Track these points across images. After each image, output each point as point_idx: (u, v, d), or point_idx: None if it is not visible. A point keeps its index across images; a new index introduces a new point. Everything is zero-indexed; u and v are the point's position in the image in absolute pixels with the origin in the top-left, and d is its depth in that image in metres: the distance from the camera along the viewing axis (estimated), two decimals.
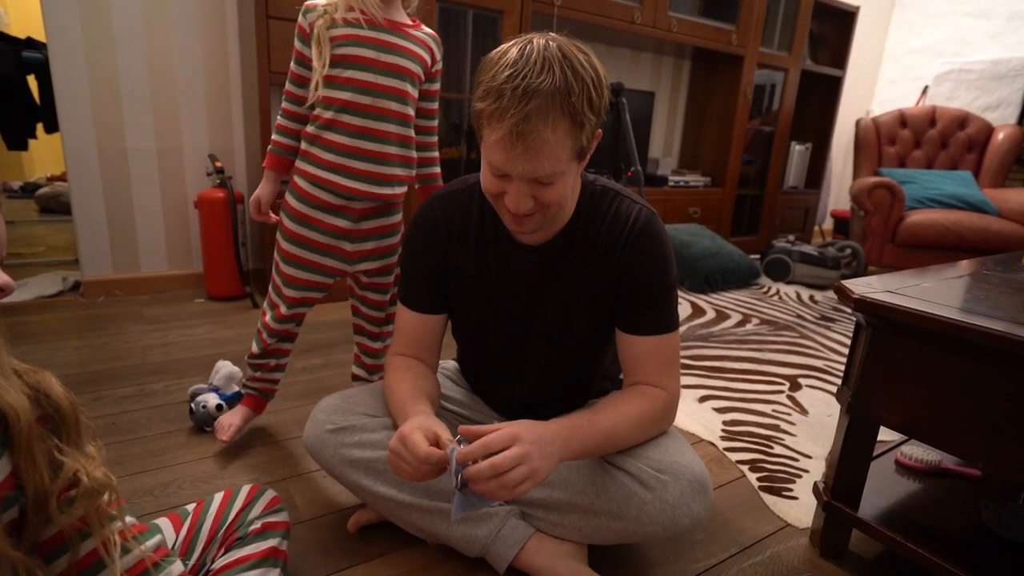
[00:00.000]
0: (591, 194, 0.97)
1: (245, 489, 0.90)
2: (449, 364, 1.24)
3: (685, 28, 3.12)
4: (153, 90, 2.29)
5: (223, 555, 0.83)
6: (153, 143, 2.33)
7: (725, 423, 1.57)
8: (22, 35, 3.42)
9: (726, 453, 1.42)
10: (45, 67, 2.49)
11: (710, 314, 2.57)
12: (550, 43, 0.79)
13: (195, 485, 1.19)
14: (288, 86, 1.23)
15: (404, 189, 1.29)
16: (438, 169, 1.39)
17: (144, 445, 1.33)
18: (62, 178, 4.04)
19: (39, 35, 2.38)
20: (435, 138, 1.37)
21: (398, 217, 1.34)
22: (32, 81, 3.49)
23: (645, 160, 3.50)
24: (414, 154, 1.29)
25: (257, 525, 0.86)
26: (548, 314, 1.00)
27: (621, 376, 1.19)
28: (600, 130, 0.86)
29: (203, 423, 1.39)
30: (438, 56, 1.28)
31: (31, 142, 3.61)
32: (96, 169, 2.25)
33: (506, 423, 0.80)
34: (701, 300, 2.77)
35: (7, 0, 4.23)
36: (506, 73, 0.76)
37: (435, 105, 1.33)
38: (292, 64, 1.21)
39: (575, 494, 0.94)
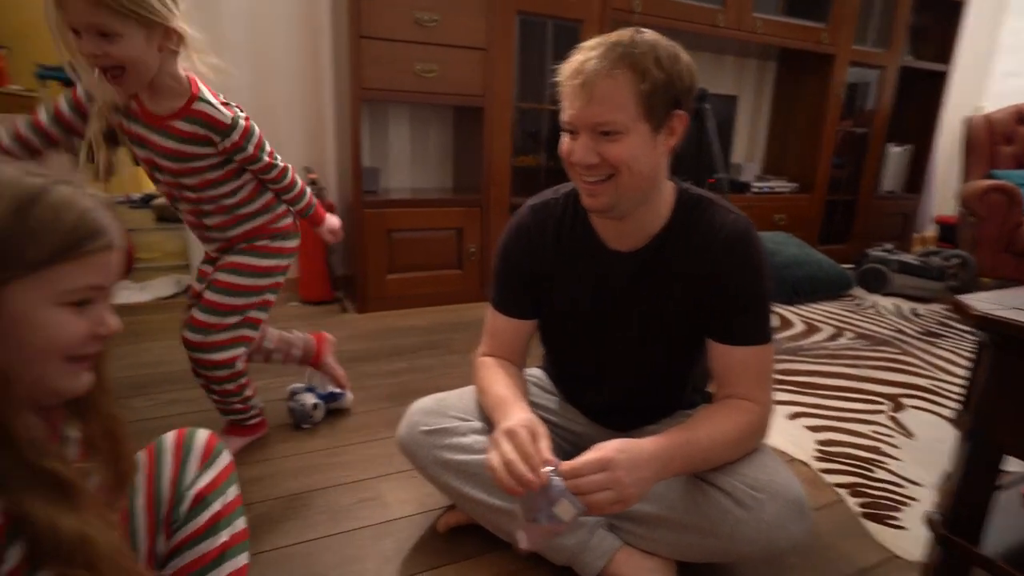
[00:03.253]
0: (685, 202, 0.96)
1: (168, 444, 0.76)
2: (535, 372, 1.25)
3: (771, 28, 3.01)
4: (256, 108, 2.44)
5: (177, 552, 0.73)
6: None
7: (819, 443, 1.49)
8: None
9: (821, 475, 1.35)
10: None
11: (799, 326, 2.45)
12: (639, 29, 0.86)
13: (294, 479, 1.27)
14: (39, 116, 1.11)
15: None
16: (304, 202, 1.31)
17: (250, 442, 1.42)
18: None
19: None
20: (287, 180, 1.26)
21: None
22: None
23: (727, 166, 3.39)
24: (239, 211, 1.23)
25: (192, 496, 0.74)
26: (638, 321, 1.00)
27: (708, 388, 1.17)
28: (683, 112, 0.86)
29: (301, 420, 1.47)
30: (216, 139, 1.12)
31: None
32: None
33: (602, 445, 0.80)
34: (788, 311, 2.64)
35: None
36: (581, 44, 0.86)
37: (259, 166, 1.20)
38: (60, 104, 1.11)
39: (665, 508, 0.93)
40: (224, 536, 0.73)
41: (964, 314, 0.90)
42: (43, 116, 1.09)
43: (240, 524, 0.77)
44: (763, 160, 3.82)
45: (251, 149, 1.17)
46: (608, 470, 0.76)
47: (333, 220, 1.42)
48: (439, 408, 1.07)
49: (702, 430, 0.89)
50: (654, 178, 0.90)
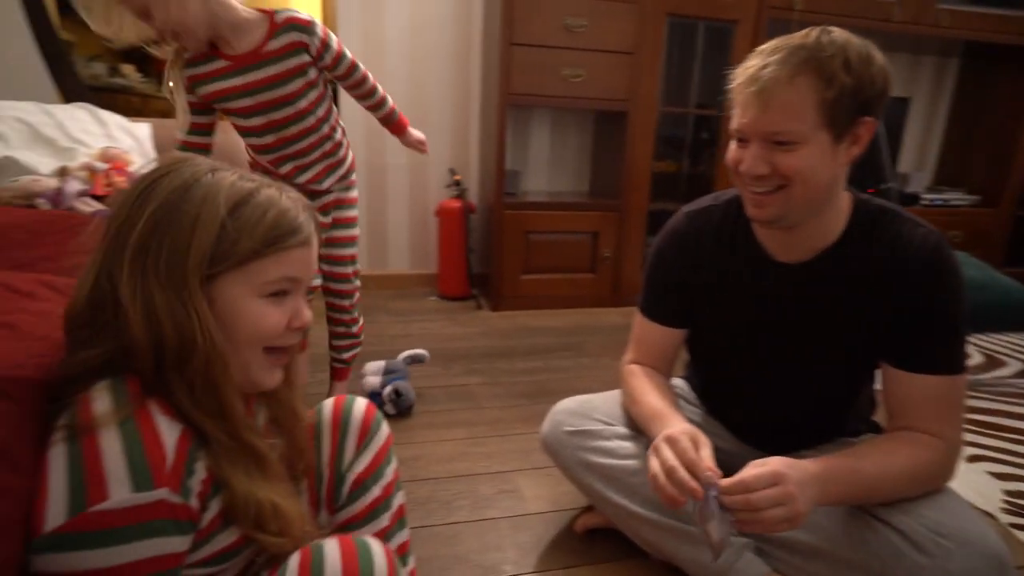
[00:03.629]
0: (866, 213, 0.88)
1: (326, 418, 0.81)
2: (678, 382, 1.22)
3: (959, 21, 2.67)
4: (409, 113, 2.63)
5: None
6: (405, 159, 2.68)
7: (1008, 493, 1.30)
8: None
9: (1013, 531, 1.18)
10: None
11: (977, 359, 2.15)
12: (827, 28, 0.79)
13: (438, 464, 1.34)
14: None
15: (344, 169, 1.42)
16: (389, 106, 1.44)
17: (394, 423, 1.53)
18: None
19: None
20: (367, 87, 1.35)
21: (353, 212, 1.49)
22: None
23: (893, 176, 3.06)
24: (336, 140, 1.36)
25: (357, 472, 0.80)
26: (802, 340, 0.94)
27: (873, 418, 1.07)
28: (871, 119, 0.79)
29: (406, 409, 1.57)
30: (309, 40, 1.18)
31: None
32: (363, 181, 2.66)
33: (766, 461, 0.76)
34: (967, 345, 2.33)
35: None
36: (762, 47, 0.80)
37: (342, 69, 1.26)
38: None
39: (825, 540, 0.87)
40: (384, 520, 0.79)
41: None
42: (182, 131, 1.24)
43: (398, 502, 0.82)
44: (935, 169, 3.40)
45: (335, 46, 1.24)
46: (780, 484, 0.72)
47: (417, 132, 1.55)
48: (583, 410, 1.08)
49: (869, 459, 0.82)
50: (830, 189, 0.84)
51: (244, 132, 1.28)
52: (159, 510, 0.49)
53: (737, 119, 0.82)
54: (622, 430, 1.05)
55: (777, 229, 0.89)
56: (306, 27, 1.18)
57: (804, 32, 0.80)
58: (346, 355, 1.57)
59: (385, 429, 0.84)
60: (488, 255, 2.56)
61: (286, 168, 1.32)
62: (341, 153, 1.40)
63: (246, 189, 0.61)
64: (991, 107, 3.08)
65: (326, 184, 1.39)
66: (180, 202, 0.57)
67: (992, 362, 2.12)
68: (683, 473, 0.75)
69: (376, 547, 0.61)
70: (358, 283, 1.56)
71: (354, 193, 1.50)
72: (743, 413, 1.07)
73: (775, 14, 2.45)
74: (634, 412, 1.01)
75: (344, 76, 1.30)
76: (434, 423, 1.53)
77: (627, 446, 1.02)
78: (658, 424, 0.90)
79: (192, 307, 0.55)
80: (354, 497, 0.79)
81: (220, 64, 1.17)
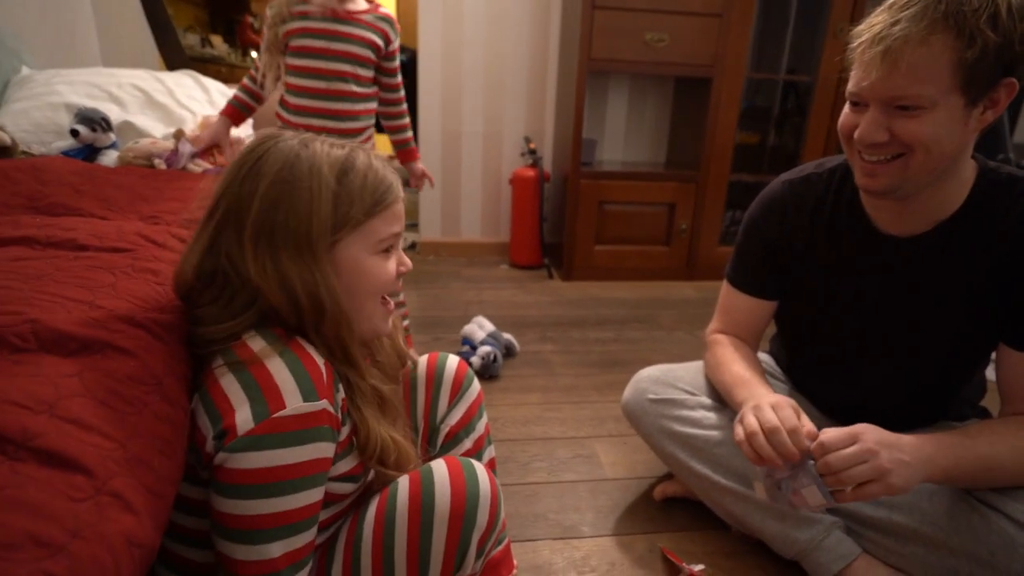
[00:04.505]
0: (993, 183, 0.82)
1: (421, 373, 0.87)
2: (763, 356, 1.19)
3: None
4: (486, 83, 2.63)
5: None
6: (481, 127, 2.69)
7: None
8: None
9: None
10: (406, 67, 3.04)
11: None
12: None
13: (515, 426, 1.38)
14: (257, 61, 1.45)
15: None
16: (410, 134, 1.60)
17: None
18: None
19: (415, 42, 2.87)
20: (402, 107, 1.55)
21: None
22: None
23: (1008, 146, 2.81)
24: (363, 123, 1.46)
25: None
26: (908, 316, 0.89)
27: (982, 404, 1.01)
28: (1014, 80, 0.71)
29: (490, 372, 1.61)
30: (392, 37, 1.44)
31: None
32: (439, 149, 2.69)
33: (861, 428, 0.74)
34: None
35: None
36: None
37: (396, 79, 1.51)
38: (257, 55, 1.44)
39: (924, 523, 0.84)
40: None
41: None
42: (258, 61, 1.44)
43: (488, 455, 0.87)
44: None
45: (396, 62, 1.49)
46: (859, 442, 0.71)
47: (422, 165, 1.66)
48: (667, 379, 1.08)
49: (982, 438, 0.78)
50: (955, 158, 0.77)
51: (293, 91, 1.41)
52: (323, 418, 0.57)
53: (855, 81, 0.75)
54: (707, 400, 1.04)
55: (889, 200, 0.84)
56: (393, 25, 1.45)
57: None
58: (404, 323, 1.63)
59: (476, 385, 0.88)
60: (560, 225, 2.55)
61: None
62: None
63: (342, 156, 0.64)
64: None
65: None
66: (290, 178, 0.60)
67: None
68: (784, 435, 0.74)
69: (479, 466, 0.66)
70: None
71: None
72: (834, 391, 1.04)
73: None
74: (717, 380, 1.00)
75: (391, 88, 1.51)
76: (510, 387, 1.57)
77: (711, 416, 1.01)
78: (743, 391, 0.89)
79: (323, 274, 0.60)
80: (447, 448, 0.84)
81: (338, 8, 1.37)
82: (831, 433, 0.73)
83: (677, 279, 2.50)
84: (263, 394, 0.54)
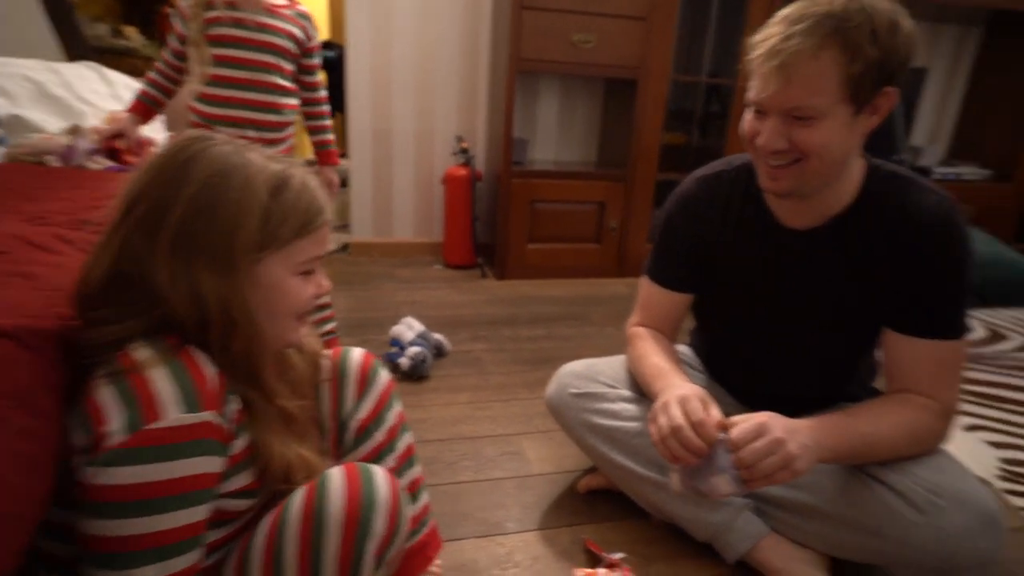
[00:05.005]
0: (878, 179, 0.88)
1: (325, 373, 0.82)
2: (682, 348, 1.23)
3: None
4: (416, 79, 2.60)
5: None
6: (412, 125, 2.66)
7: (1004, 461, 1.32)
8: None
9: (1007, 496, 1.20)
10: (335, 64, 2.97)
11: (980, 332, 2.16)
12: None
13: (443, 426, 1.37)
14: (164, 54, 1.40)
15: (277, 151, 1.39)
16: (331, 136, 1.56)
17: (401, 386, 1.54)
18: (342, 155, 4.80)
19: (342, 37, 2.81)
20: (323, 107, 1.53)
21: None
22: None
23: (906, 147, 3.02)
24: (285, 119, 1.42)
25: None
26: (809, 304, 0.94)
27: (873, 385, 1.08)
28: (893, 89, 0.77)
29: (420, 372, 1.59)
30: (311, 33, 1.44)
31: None
32: (369, 148, 2.64)
33: (748, 416, 0.78)
34: (970, 316, 2.33)
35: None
36: (784, 12, 0.76)
37: (317, 78, 1.49)
38: (170, 39, 1.38)
39: (823, 500, 0.89)
40: (390, 462, 0.81)
41: None
42: (165, 54, 1.40)
43: (404, 444, 0.84)
44: (949, 143, 3.35)
45: (317, 59, 1.47)
46: (766, 435, 0.74)
47: (336, 175, 1.61)
48: (589, 373, 1.09)
49: (864, 417, 0.83)
50: (845, 161, 0.83)
51: (214, 82, 1.35)
52: (206, 430, 0.54)
53: (756, 91, 0.79)
54: (626, 393, 1.06)
55: (790, 199, 0.89)
56: (311, 22, 1.44)
57: (832, 1, 0.74)
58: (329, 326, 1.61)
59: (384, 375, 0.85)
60: (493, 224, 2.55)
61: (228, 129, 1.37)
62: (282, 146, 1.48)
63: (279, 173, 0.62)
64: (1012, 80, 3.02)
65: None
66: (220, 187, 0.58)
67: (995, 336, 2.13)
68: (688, 432, 0.77)
69: (379, 472, 0.64)
70: None
71: None
72: (746, 378, 1.08)
73: None
74: (638, 373, 1.02)
75: (311, 86, 1.49)
76: (440, 387, 1.55)
77: (631, 408, 1.04)
78: (661, 383, 0.91)
79: (239, 290, 0.58)
80: (358, 443, 0.82)
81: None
82: (739, 429, 0.76)
83: (608, 276, 2.55)
84: (138, 404, 0.51)
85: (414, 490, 0.85)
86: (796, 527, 0.92)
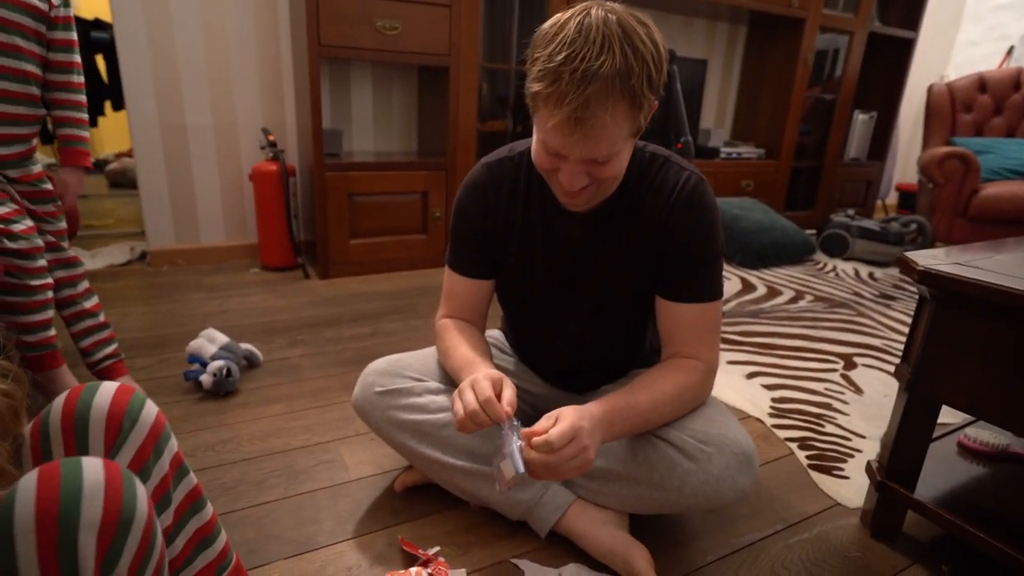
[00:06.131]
0: (639, 160, 0.94)
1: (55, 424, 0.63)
2: (494, 333, 1.25)
3: None
4: (209, 67, 2.35)
5: None
6: (210, 119, 2.41)
7: (774, 400, 1.53)
8: (90, 16, 3.57)
9: (774, 430, 1.39)
10: (112, 47, 2.59)
11: (761, 290, 2.49)
12: (609, 16, 0.74)
13: (252, 443, 1.25)
14: None
15: (24, 148, 1.22)
16: (84, 132, 1.30)
17: (205, 404, 1.40)
18: (129, 154, 4.24)
19: (106, 15, 2.47)
20: (78, 96, 1.28)
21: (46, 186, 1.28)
22: (100, 61, 3.66)
23: (696, 131, 3.39)
24: (37, 112, 1.22)
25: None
26: (593, 282, 0.99)
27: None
28: (656, 102, 0.83)
29: (224, 388, 1.45)
30: (56, 2, 1.20)
31: (100, 120, 3.80)
32: (159, 145, 2.34)
33: (563, 414, 0.80)
34: (752, 275, 2.69)
35: None
36: (564, 54, 0.73)
37: (72, 57, 1.25)
38: None
39: (616, 463, 0.95)
40: (167, 519, 0.68)
41: (908, 269, 0.92)
42: None
43: (181, 494, 0.69)
44: (732, 126, 3.82)
45: (71, 34, 1.25)
46: (577, 439, 0.77)
47: (79, 187, 1.35)
48: (394, 369, 1.06)
49: (643, 393, 0.89)
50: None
51: None
52: None
53: (557, 144, 0.78)
54: (433, 385, 1.04)
55: None
56: None
57: (605, 43, 0.72)
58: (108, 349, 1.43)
59: (148, 414, 0.67)
60: (313, 221, 2.41)
61: None
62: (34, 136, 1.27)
63: None
64: (771, 72, 3.51)
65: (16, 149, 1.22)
66: None
67: (772, 292, 2.47)
68: (482, 416, 0.79)
69: (90, 461, 0.51)
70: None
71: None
72: (548, 357, 1.12)
73: None
74: (448, 367, 1.01)
75: (60, 66, 1.25)
76: (249, 401, 1.42)
77: (438, 400, 1.02)
78: (467, 373, 0.91)
79: None
80: None
81: None
82: (557, 431, 0.76)
83: (437, 266, 2.54)
84: None
85: (207, 533, 0.74)
86: (596, 491, 0.98)
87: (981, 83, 3.41)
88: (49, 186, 1.29)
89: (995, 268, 0.88)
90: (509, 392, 0.82)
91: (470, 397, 0.81)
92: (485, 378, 0.82)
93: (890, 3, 3.78)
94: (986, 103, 3.40)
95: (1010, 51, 4.03)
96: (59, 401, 0.64)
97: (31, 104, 1.21)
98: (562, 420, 0.78)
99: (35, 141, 1.26)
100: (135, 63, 2.22)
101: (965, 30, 4.37)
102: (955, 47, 4.45)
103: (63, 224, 1.34)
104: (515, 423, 0.80)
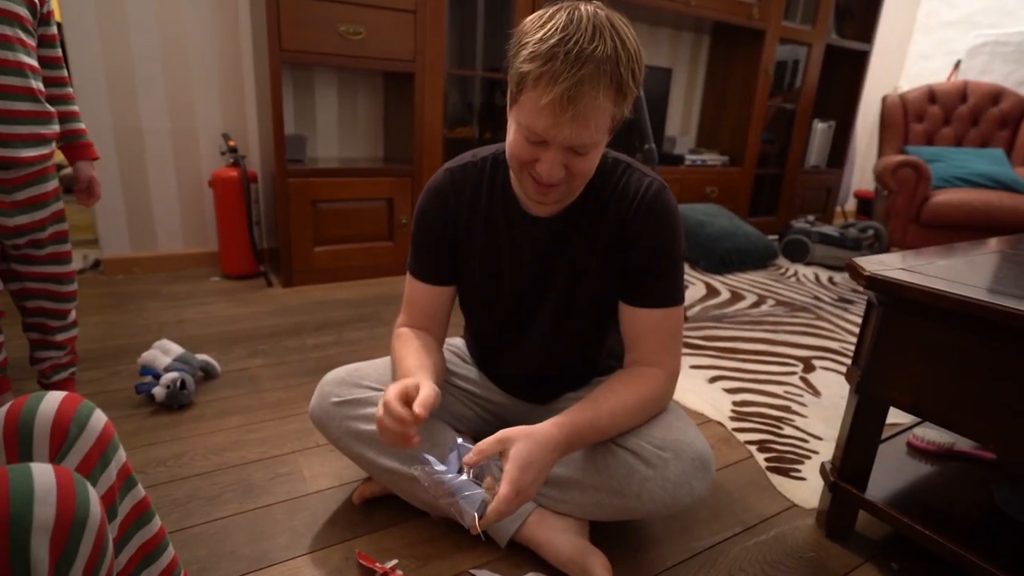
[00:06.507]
0: (602, 166, 0.94)
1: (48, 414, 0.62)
2: (456, 341, 1.24)
3: (704, 1, 3.04)
4: (166, 70, 2.30)
5: None
6: (168, 123, 2.35)
7: (735, 403, 1.56)
8: None
9: (734, 433, 1.41)
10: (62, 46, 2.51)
11: (724, 295, 2.53)
12: (598, 11, 0.77)
13: (207, 457, 1.22)
14: None
15: (50, 149, 1.21)
16: (81, 124, 1.30)
17: (158, 418, 1.35)
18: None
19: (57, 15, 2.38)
20: (67, 89, 1.27)
21: (53, 184, 1.25)
22: None
23: (661, 138, 3.44)
24: (49, 109, 1.19)
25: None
26: (554, 288, 0.99)
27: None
28: (632, 102, 0.84)
29: (177, 401, 1.40)
30: None
31: None
32: (112, 150, 2.27)
33: (508, 434, 0.80)
34: (716, 281, 2.73)
35: None
36: (557, 37, 0.74)
37: (58, 52, 1.24)
38: None
39: (576, 471, 0.94)
40: (112, 531, 0.65)
41: (856, 274, 0.94)
42: None
43: (125, 509, 0.69)
44: (696, 133, 3.89)
45: (54, 28, 1.22)
46: (532, 467, 0.77)
47: (94, 172, 1.34)
48: (352, 379, 1.04)
49: (604, 407, 0.89)
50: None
51: None
52: None
53: (543, 127, 0.77)
54: None
55: None
56: None
57: (596, 31, 0.74)
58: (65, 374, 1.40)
59: (97, 422, 0.65)
60: (276, 228, 2.36)
61: None
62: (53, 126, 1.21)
63: None
64: (734, 81, 3.59)
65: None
66: None
67: (735, 297, 2.51)
68: (392, 432, 0.81)
69: (38, 467, 0.50)
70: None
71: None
72: (510, 365, 1.11)
73: None
74: (395, 377, 1.00)
75: (51, 62, 1.22)
76: (205, 414, 1.38)
77: None
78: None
79: None
80: None
81: None
82: (512, 467, 0.76)
83: (403, 274, 2.49)
84: None
85: (152, 548, 0.71)
86: (556, 499, 0.97)
87: (931, 95, 3.54)
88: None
89: (938, 274, 0.91)
90: (424, 394, 0.81)
91: (380, 413, 0.82)
92: (392, 395, 0.81)
93: (846, 16, 3.91)
94: (936, 113, 3.53)
95: (957, 65, 4.20)
96: (2, 410, 0.62)
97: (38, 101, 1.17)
98: (510, 442, 0.78)
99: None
100: (86, 65, 2.15)
101: (917, 43, 4.54)
102: (908, 59, 4.63)
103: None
104: (458, 441, 0.81)
